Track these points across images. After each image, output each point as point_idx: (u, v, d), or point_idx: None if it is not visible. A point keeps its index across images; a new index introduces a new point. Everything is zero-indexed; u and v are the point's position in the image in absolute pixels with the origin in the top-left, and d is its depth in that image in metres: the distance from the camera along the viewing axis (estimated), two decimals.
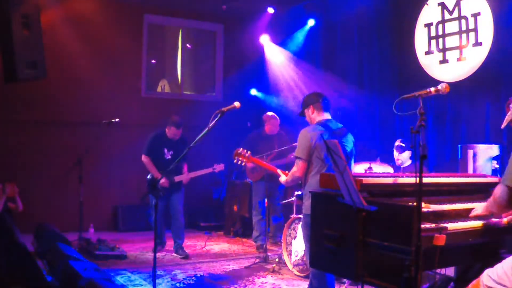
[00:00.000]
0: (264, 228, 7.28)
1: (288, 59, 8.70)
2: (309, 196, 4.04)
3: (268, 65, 9.07)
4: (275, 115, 7.38)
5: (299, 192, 5.78)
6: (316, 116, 4.34)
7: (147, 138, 6.93)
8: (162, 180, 6.62)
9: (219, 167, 6.98)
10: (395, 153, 6.02)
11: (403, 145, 5.82)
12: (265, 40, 8.88)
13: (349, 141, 4.33)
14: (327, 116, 4.36)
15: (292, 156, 6.60)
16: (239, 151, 4.96)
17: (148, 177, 6.90)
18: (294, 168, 4.24)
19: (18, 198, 6.99)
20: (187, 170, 6.92)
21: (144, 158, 6.83)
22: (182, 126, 6.77)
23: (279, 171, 4.57)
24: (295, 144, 5.60)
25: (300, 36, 8.56)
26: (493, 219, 3.09)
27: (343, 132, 4.33)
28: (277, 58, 8.91)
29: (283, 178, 4.47)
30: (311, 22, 8.31)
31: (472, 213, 3.10)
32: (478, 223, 3.03)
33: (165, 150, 6.78)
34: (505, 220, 3.09)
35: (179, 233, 6.90)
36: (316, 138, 4.10)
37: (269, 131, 7.29)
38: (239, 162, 4.97)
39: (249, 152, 5.01)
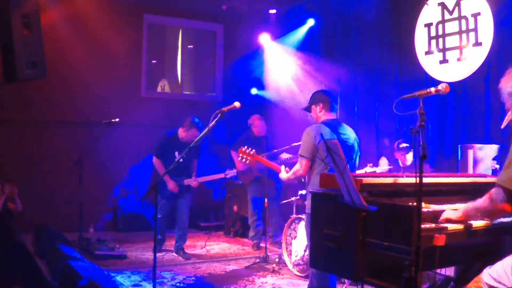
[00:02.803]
0: (259, 228, 7.30)
1: (289, 58, 8.69)
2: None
3: (268, 64, 9.04)
4: (260, 117, 7.39)
5: (303, 192, 5.79)
6: (323, 115, 4.34)
7: (159, 139, 6.77)
8: (171, 186, 6.58)
9: (231, 173, 6.88)
10: (399, 154, 6.06)
11: (407, 145, 5.86)
12: (265, 38, 8.85)
13: (354, 142, 4.33)
14: (333, 116, 4.37)
15: (283, 158, 6.64)
16: (243, 149, 5.03)
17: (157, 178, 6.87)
18: (297, 167, 4.23)
19: (18, 198, 7.00)
20: (196, 174, 6.80)
21: (155, 160, 6.70)
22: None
23: (282, 167, 4.56)
24: (295, 144, 5.62)
25: (299, 36, 8.56)
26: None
27: (348, 133, 4.33)
28: (277, 56, 8.89)
29: (283, 175, 4.47)
30: (311, 22, 8.31)
31: (445, 216, 2.94)
32: (479, 223, 3.02)
33: (176, 153, 6.53)
34: None
35: (182, 235, 6.88)
36: (320, 137, 4.09)
37: (257, 133, 7.32)
38: (243, 160, 5.02)
39: (253, 150, 5.05)
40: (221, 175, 6.92)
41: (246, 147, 5.11)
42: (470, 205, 2.92)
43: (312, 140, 4.13)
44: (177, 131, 6.71)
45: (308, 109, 4.47)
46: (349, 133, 4.34)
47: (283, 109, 8.61)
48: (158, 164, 6.67)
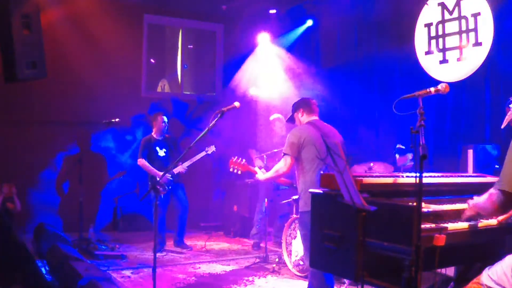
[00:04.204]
0: (262, 226, 7.29)
1: (285, 59, 8.68)
2: (304, 193, 4.18)
3: (265, 64, 9.02)
4: (278, 117, 7.37)
5: (296, 197, 5.78)
6: (306, 118, 4.51)
7: (139, 144, 7.20)
8: (163, 178, 6.73)
9: (210, 149, 7.14)
10: (397, 156, 6.09)
11: (403, 147, 5.88)
12: (263, 38, 8.83)
13: (338, 141, 4.38)
14: (315, 117, 4.52)
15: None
16: (234, 160, 5.02)
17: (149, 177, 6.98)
18: (281, 164, 4.35)
19: (16, 198, 7.00)
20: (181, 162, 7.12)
21: (139, 161, 7.02)
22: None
23: (256, 168, 4.75)
24: None
25: (299, 36, 8.55)
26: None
27: (332, 131, 4.45)
28: (275, 56, 8.88)
29: (260, 176, 4.64)
30: (309, 22, 8.32)
31: (464, 216, 3.02)
32: (478, 223, 3.03)
33: (157, 148, 7.04)
34: (497, 219, 3.07)
35: (183, 227, 7.17)
36: (305, 136, 4.24)
37: (277, 133, 7.35)
38: (235, 171, 5.00)
39: (244, 160, 5.05)
40: (203, 154, 7.14)
41: (236, 157, 5.06)
42: (475, 202, 2.94)
43: (297, 139, 4.27)
44: (151, 133, 7.19)
45: (291, 119, 4.64)
46: (333, 131, 4.46)
47: (280, 109, 8.59)
48: (144, 165, 7.00)
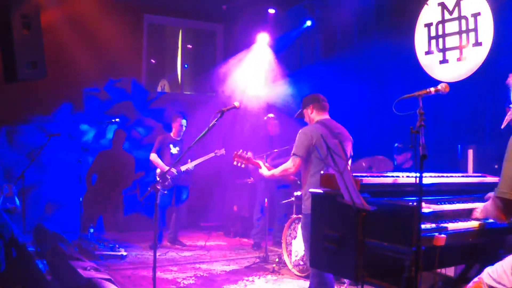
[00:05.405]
0: (262, 226, 7.29)
1: (282, 58, 8.66)
2: (309, 196, 4.05)
3: (263, 64, 9.01)
4: (273, 116, 7.44)
5: (299, 193, 5.77)
6: (316, 116, 4.38)
7: (155, 139, 7.40)
8: (171, 171, 6.90)
9: (220, 152, 7.25)
10: (395, 155, 6.11)
11: (401, 146, 5.89)
12: (262, 38, 8.82)
13: (348, 142, 4.35)
14: (326, 115, 4.41)
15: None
16: (238, 153, 4.90)
17: (158, 171, 7.16)
18: (289, 164, 4.25)
19: (16, 198, 7.01)
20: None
21: (151, 156, 7.20)
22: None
23: (260, 163, 4.61)
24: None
25: (299, 35, 8.55)
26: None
27: (343, 132, 4.35)
28: (269, 56, 8.86)
29: (265, 172, 4.49)
30: (309, 23, 8.33)
31: (474, 216, 3.08)
32: (478, 223, 3.03)
33: (171, 145, 7.25)
34: None
35: (180, 224, 7.40)
36: (316, 137, 4.12)
37: (272, 132, 7.40)
38: (239, 164, 4.92)
39: (249, 153, 4.98)
40: (211, 155, 7.25)
41: (241, 150, 4.95)
42: (483, 207, 2.98)
43: (308, 140, 4.15)
44: (170, 133, 7.40)
45: (300, 115, 4.51)
46: (344, 132, 4.38)
47: (280, 110, 8.58)
48: (154, 160, 7.19)
